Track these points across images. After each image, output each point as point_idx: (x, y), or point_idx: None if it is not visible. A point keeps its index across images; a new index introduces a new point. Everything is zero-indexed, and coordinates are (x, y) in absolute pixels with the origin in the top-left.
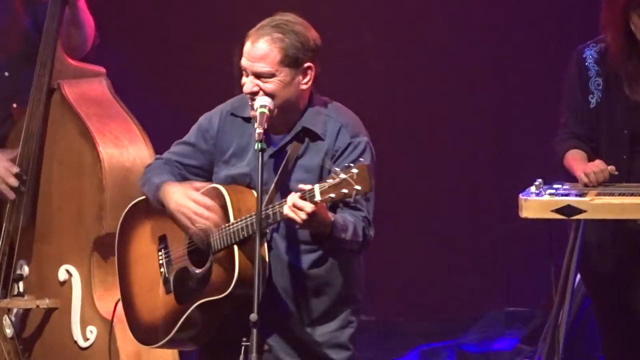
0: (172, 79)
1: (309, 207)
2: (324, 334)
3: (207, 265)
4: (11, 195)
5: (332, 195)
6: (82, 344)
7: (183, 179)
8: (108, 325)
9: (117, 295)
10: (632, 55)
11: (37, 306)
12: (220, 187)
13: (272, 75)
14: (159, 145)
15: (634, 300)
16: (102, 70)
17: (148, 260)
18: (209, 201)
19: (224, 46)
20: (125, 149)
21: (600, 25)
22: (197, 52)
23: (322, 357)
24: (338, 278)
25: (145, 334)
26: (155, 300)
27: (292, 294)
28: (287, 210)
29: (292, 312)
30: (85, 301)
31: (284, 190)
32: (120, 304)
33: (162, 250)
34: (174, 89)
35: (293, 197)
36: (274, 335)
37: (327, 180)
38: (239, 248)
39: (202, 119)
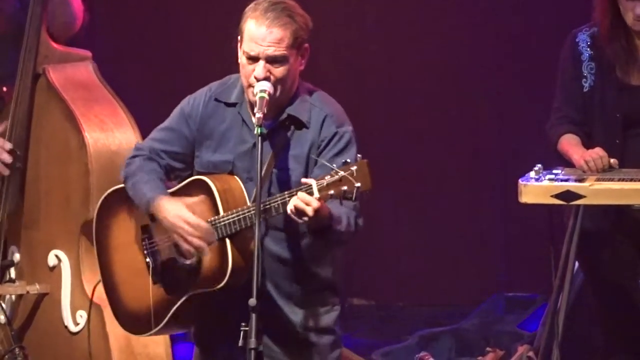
0: (160, 62)
1: (315, 202)
2: (309, 319)
3: (197, 256)
4: (5, 171)
5: (331, 192)
6: (73, 328)
7: (167, 169)
8: (97, 309)
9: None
10: (620, 37)
11: (28, 292)
12: (207, 179)
13: (285, 60)
14: (146, 128)
15: (632, 285)
16: (88, 54)
17: (131, 249)
18: (202, 223)
19: (213, 29)
20: (111, 132)
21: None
22: (186, 36)
23: (307, 341)
24: (321, 262)
25: (133, 324)
26: (142, 290)
27: (275, 280)
28: (295, 202)
29: (275, 298)
30: (75, 286)
31: (274, 179)
32: (99, 287)
33: (146, 239)
34: (162, 72)
35: (300, 195)
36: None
37: (325, 177)
38: (230, 240)
39: (184, 103)
